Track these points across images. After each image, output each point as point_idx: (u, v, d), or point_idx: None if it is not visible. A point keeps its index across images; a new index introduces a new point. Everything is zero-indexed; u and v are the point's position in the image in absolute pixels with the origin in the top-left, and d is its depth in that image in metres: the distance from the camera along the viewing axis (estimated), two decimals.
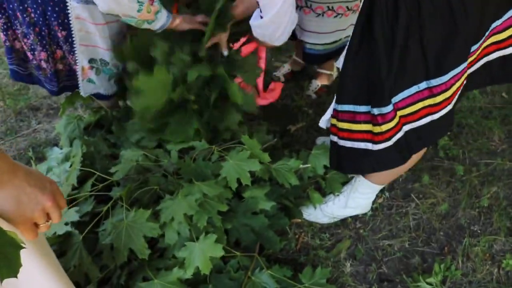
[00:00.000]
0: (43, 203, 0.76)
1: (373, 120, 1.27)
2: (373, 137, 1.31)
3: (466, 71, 1.22)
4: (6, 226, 0.74)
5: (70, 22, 1.61)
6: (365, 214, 1.76)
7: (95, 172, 1.58)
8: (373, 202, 1.77)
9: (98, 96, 1.90)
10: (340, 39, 2.06)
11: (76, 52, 1.68)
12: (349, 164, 1.44)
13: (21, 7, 1.58)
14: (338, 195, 1.72)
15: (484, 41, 1.27)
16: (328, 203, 1.70)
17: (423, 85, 1.22)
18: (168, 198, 1.43)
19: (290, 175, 1.61)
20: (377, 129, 1.27)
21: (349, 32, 1.49)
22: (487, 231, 1.70)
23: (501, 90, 2.49)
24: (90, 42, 1.68)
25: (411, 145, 1.35)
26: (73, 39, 1.65)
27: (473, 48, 1.23)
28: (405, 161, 1.39)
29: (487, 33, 1.26)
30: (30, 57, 1.73)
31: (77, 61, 1.71)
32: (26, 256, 0.83)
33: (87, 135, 1.88)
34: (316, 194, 1.70)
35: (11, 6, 1.62)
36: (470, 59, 1.25)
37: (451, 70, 1.18)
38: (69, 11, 1.58)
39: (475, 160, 2.01)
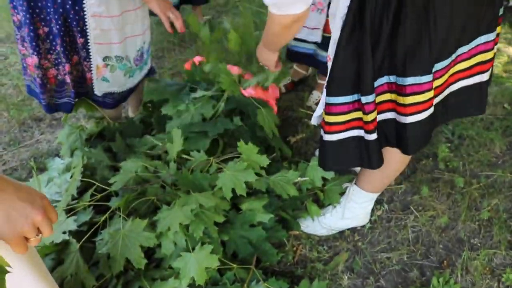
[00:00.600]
0: (33, 218, 0.75)
1: (362, 108, 1.26)
2: (364, 125, 1.30)
3: (431, 89, 1.22)
4: None
5: (86, 24, 1.64)
6: (364, 226, 1.75)
7: (95, 182, 1.60)
8: (372, 214, 1.77)
9: (104, 103, 1.91)
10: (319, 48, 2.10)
11: (90, 51, 1.71)
12: (333, 158, 1.39)
13: (47, 18, 1.63)
14: (335, 206, 1.71)
15: (450, 66, 1.28)
16: (326, 215, 1.70)
17: (393, 78, 1.22)
18: (165, 208, 1.44)
19: (289, 186, 1.61)
20: (365, 117, 1.27)
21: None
22: (487, 245, 1.69)
23: (503, 101, 2.49)
24: (105, 40, 1.71)
25: (379, 139, 1.34)
26: (88, 40, 1.67)
27: (438, 66, 1.23)
28: (383, 162, 1.38)
29: (453, 56, 1.26)
30: (55, 73, 1.76)
31: (91, 60, 1.74)
32: (16, 267, 0.84)
33: (88, 146, 1.89)
34: (314, 206, 1.70)
35: (32, 27, 1.65)
36: (436, 83, 1.25)
37: (412, 76, 1.18)
38: (86, 15, 1.61)
39: (476, 172, 2.01)
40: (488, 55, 1.31)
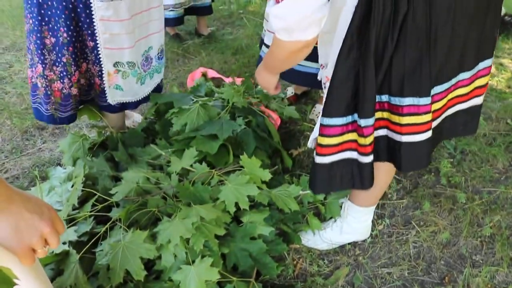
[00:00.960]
0: (41, 229, 0.76)
1: (359, 130, 1.25)
2: (358, 148, 1.28)
3: (428, 112, 1.21)
4: (4, 253, 0.75)
5: (95, 28, 1.64)
6: (365, 240, 1.74)
7: (96, 192, 1.60)
8: (373, 229, 1.76)
9: (110, 108, 1.90)
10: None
11: (100, 56, 1.70)
12: (323, 181, 1.36)
13: (55, 27, 1.63)
14: (336, 220, 1.71)
15: (449, 91, 1.27)
16: (326, 229, 1.70)
17: (384, 97, 1.22)
18: (166, 220, 1.43)
19: (290, 200, 1.61)
20: (361, 140, 1.26)
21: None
22: (489, 261, 1.67)
23: (506, 117, 2.49)
24: (115, 45, 1.70)
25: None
26: (98, 44, 1.67)
27: (437, 89, 1.23)
28: (373, 181, 1.37)
29: (453, 80, 1.26)
30: (60, 86, 1.75)
31: (102, 66, 1.73)
32: (21, 278, 0.83)
33: (91, 155, 1.89)
34: (315, 219, 1.70)
35: (39, 35, 1.65)
36: (434, 107, 1.24)
37: (411, 96, 1.18)
38: (94, 17, 1.61)
39: (478, 188, 2.00)
40: (485, 80, 1.33)
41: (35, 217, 0.75)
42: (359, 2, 1.09)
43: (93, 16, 1.62)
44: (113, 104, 1.85)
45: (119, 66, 1.75)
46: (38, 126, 2.44)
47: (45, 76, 1.73)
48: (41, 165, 2.15)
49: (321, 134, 1.29)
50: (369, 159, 1.29)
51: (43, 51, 1.68)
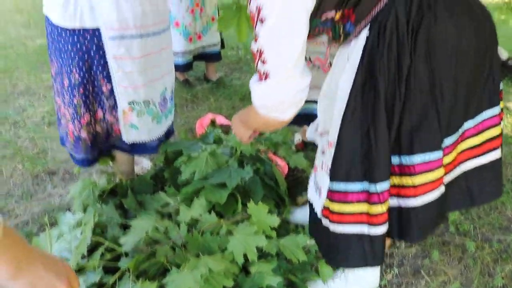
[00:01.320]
0: (58, 287, 0.78)
1: (372, 199, 1.20)
2: (370, 219, 1.24)
3: (441, 166, 1.18)
4: None
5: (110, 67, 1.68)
6: None
7: (105, 241, 1.60)
8: (382, 278, 1.74)
9: (125, 148, 1.93)
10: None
11: (116, 96, 1.74)
12: (343, 252, 1.32)
13: (68, 69, 1.68)
14: (343, 270, 1.69)
15: (457, 142, 1.25)
16: (335, 279, 1.68)
17: (396, 159, 1.18)
18: (174, 271, 1.43)
19: (298, 250, 1.61)
20: (376, 209, 1.21)
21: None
22: None
23: None
24: (129, 83, 1.73)
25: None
26: (113, 83, 1.71)
27: (447, 141, 1.20)
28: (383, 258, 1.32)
29: (460, 131, 1.24)
30: (72, 128, 1.79)
31: (117, 104, 1.76)
32: None
33: (100, 202, 1.91)
34: (327, 268, 1.66)
35: (62, 76, 1.72)
36: (445, 160, 1.21)
37: (421, 152, 1.15)
38: (107, 57, 1.66)
39: (487, 236, 1.98)
40: (496, 131, 1.30)
41: (52, 275, 0.78)
42: (360, 62, 1.11)
43: (107, 57, 1.67)
44: (128, 143, 1.87)
45: (134, 104, 1.78)
46: (48, 171, 2.48)
47: (64, 115, 1.80)
48: (51, 210, 2.17)
49: (331, 200, 1.26)
50: (382, 229, 1.23)
51: (62, 91, 1.74)
